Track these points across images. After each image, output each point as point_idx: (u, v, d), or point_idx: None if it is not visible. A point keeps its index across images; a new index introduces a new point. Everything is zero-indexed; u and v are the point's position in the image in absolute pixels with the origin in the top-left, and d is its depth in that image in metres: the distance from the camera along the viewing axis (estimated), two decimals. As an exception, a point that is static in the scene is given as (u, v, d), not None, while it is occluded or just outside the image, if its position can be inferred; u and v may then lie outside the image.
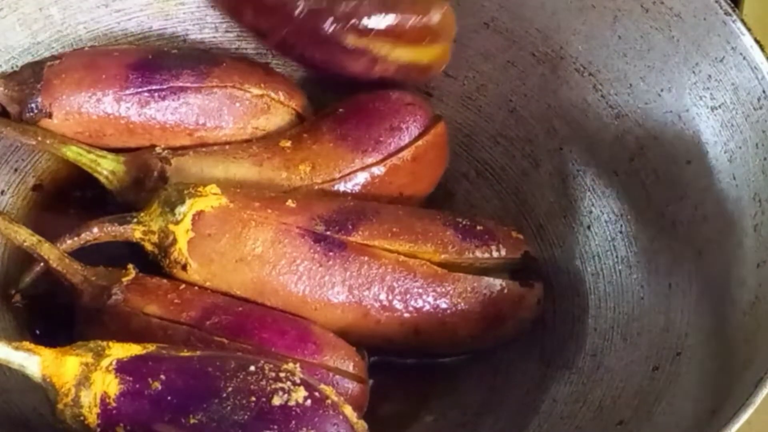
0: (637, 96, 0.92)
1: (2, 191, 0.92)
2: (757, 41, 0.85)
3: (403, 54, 0.94)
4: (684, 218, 0.87)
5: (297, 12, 0.92)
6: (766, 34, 0.90)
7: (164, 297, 0.82)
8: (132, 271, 0.83)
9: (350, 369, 0.80)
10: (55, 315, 0.85)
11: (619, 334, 0.87)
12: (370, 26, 0.92)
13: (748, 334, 0.77)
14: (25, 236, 0.83)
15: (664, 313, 0.85)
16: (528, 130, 0.98)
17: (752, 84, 0.85)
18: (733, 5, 0.87)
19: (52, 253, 0.83)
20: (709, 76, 0.88)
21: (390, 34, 0.92)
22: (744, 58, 0.85)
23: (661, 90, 0.90)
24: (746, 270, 0.80)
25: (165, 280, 0.83)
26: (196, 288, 0.84)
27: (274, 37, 0.94)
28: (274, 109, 0.93)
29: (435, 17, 0.92)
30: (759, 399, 0.70)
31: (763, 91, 0.84)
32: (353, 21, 0.91)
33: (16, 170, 0.93)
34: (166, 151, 0.89)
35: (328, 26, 0.92)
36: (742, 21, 0.86)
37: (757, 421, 0.77)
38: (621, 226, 0.92)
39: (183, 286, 0.83)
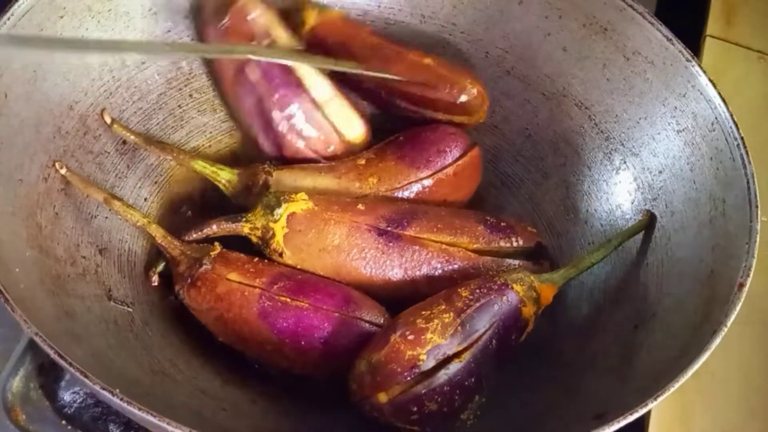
0: (621, 123, 1.02)
1: (145, 198, 1.02)
2: (710, 80, 0.95)
3: (443, 117, 1.05)
4: (658, 213, 0.96)
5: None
6: (718, 75, 0.98)
7: (242, 267, 0.91)
8: (218, 247, 0.92)
9: (380, 322, 0.89)
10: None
11: (609, 300, 0.96)
12: (417, 100, 1.05)
13: (706, 298, 0.86)
14: (138, 217, 0.92)
15: (643, 284, 0.94)
16: (540, 150, 1.08)
17: (707, 113, 0.95)
18: (693, 54, 0.97)
19: (158, 232, 0.93)
20: (675, 107, 0.97)
21: (430, 105, 1.04)
22: (701, 94, 0.95)
23: (639, 119, 1.00)
24: (704, 251, 0.90)
25: (242, 255, 0.92)
26: (266, 261, 0.92)
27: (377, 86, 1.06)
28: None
29: (462, 98, 1.03)
30: (714, 345, 0.79)
31: (716, 118, 0.94)
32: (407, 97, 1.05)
33: (155, 183, 1.04)
34: (268, 167, 0.99)
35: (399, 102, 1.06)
36: (700, 66, 0.96)
37: (718, 371, 0.94)
38: (610, 220, 1.01)
39: (256, 258, 0.92)
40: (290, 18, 1.05)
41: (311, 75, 1.00)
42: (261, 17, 1.00)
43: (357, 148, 1.05)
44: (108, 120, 0.98)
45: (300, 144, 1.03)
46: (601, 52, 1.03)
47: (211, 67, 1.06)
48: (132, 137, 0.99)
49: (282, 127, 1.02)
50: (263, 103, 1.01)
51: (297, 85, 1.01)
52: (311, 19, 1.05)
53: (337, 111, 1.03)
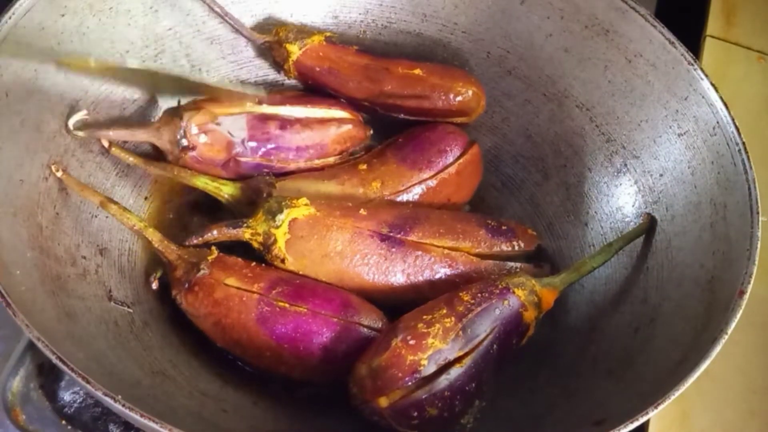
0: (622, 126, 1.02)
1: (146, 197, 1.02)
2: (712, 84, 0.96)
3: (442, 120, 1.06)
4: (659, 217, 0.96)
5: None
6: (720, 79, 1.00)
7: (240, 271, 0.91)
8: (215, 252, 0.92)
9: (379, 326, 0.90)
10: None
11: (608, 303, 0.96)
12: (413, 111, 1.06)
13: (706, 303, 0.86)
14: (135, 221, 0.92)
15: (643, 288, 0.94)
16: (540, 151, 1.08)
17: (709, 117, 0.95)
18: (694, 57, 0.98)
19: (155, 236, 0.93)
20: (677, 110, 0.98)
21: (428, 113, 1.05)
22: (703, 97, 0.96)
23: (641, 121, 1.01)
24: (705, 256, 0.90)
25: (240, 259, 0.92)
26: (264, 265, 0.93)
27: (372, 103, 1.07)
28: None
29: (457, 102, 1.05)
30: (715, 353, 0.79)
31: (717, 122, 0.94)
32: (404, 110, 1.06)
33: (157, 182, 1.03)
34: (271, 177, 0.99)
35: (397, 115, 1.06)
36: (702, 69, 0.97)
37: (718, 372, 0.92)
38: (610, 222, 1.01)
39: (254, 263, 0.92)
40: (275, 54, 1.08)
41: (279, 108, 1.02)
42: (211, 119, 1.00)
43: (359, 124, 1.07)
44: (105, 144, 0.97)
45: (321, 155, 1.05)
46: (603, 54, 1.03)
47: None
48: (131, 159, 0.99)
49: (296, 157, 1.04)
50: (266, 159, 1.03)
51: (280, 125, 1.02)
52: (295, 51, 1.06)
53: (318, 113, 1.04)
